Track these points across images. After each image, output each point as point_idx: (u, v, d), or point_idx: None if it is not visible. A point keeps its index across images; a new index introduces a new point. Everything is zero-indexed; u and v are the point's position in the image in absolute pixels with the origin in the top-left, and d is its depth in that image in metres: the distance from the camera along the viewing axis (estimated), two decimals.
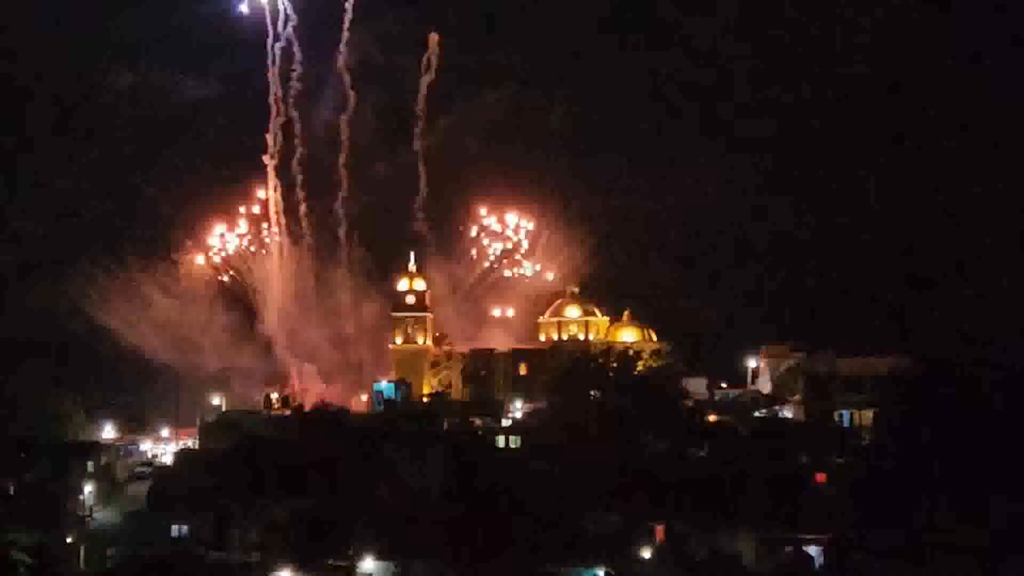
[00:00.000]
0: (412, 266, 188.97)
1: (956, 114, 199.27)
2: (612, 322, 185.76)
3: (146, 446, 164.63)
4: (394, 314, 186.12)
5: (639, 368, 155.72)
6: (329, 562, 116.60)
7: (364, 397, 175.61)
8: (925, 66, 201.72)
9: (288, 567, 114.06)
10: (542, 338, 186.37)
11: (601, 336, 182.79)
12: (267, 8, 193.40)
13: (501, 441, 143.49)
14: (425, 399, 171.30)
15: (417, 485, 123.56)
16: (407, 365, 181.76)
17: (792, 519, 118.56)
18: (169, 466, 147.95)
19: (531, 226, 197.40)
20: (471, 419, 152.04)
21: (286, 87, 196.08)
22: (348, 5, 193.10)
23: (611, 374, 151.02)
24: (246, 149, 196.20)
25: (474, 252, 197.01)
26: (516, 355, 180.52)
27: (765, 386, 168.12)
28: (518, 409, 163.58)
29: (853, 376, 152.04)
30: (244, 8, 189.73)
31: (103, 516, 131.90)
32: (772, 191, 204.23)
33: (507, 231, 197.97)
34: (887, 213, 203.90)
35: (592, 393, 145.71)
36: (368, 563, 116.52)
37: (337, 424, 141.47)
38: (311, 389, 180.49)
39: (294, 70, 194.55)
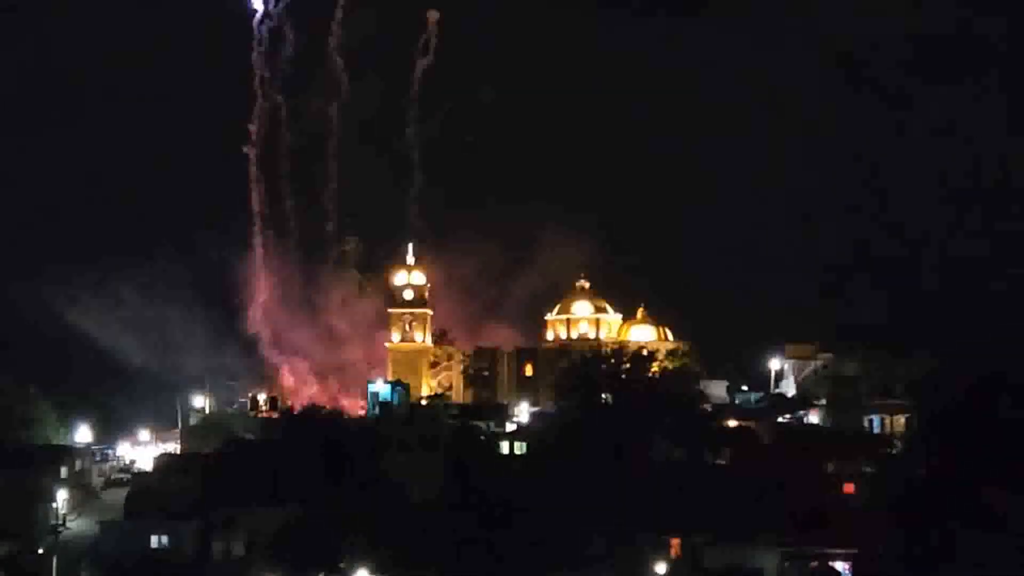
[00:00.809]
0: (410, 258, 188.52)
1: None
2: (625, 320, 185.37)
3: (123, 450, 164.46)
4: (390, 310, 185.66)
5: (654, 369, 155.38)
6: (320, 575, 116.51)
7: (359, 399, 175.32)
8: None
9: None
10: (550, 336, 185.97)
11: (613, 335, 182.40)
12: None
13: (505, 447, 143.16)
14: (424, 401, 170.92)
15: (415, 493, 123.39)
16: (404, 364, 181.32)
17: (818, 532, 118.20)
18: (148, 472, 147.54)
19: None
20: (473, 423, 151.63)
21: (274, 71, 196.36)
22: None
23: (624, 375, 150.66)
24: (229, 138, 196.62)
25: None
26: (521, 354, 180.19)
27: (789, 389, 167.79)
28: (523, 412, 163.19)
29: (884, 379, 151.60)
30: None
31: (77, 525, 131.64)
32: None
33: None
34: (917, 203, 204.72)
35: (603, 396, 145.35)
36: None
37: (329, 428, 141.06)
38: (301, 390, 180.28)
39: (279, 53, 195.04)
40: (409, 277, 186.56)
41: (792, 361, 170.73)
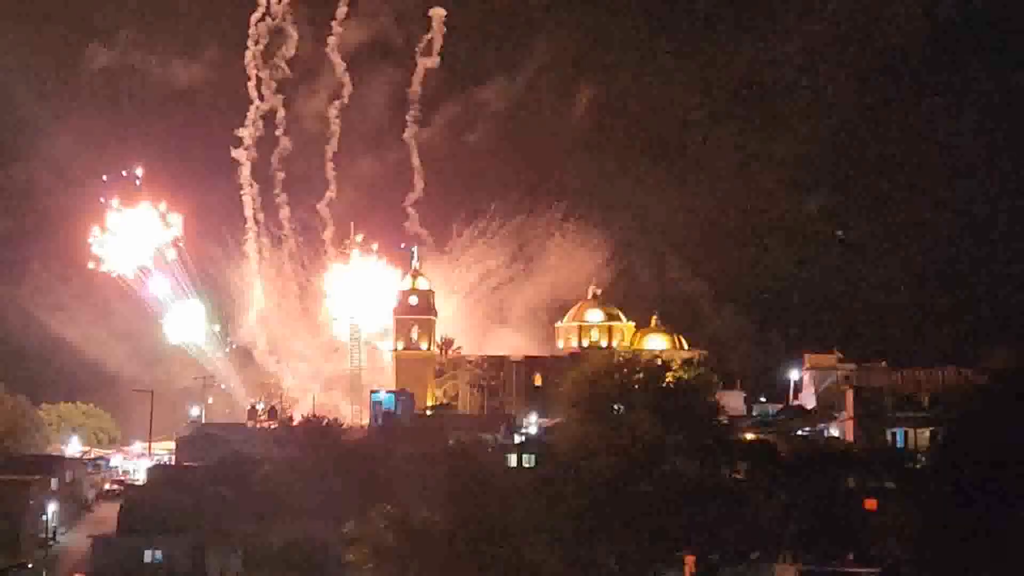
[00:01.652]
0: (415, 264, 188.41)
1: None
2: (638, 328, 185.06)
3: (116, 461, 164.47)
4: (396, 317, 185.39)
5: (668, 380, 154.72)
6: None
7: (361, 408, 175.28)
8: None
9: None
10: (560, 345, 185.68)
11: (626, 343, 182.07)
12: None
13: (513, 459, 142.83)
14: (429, 411, 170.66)
15: (419, 507, 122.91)
16: (409, 373, 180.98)
17: (839, 549, 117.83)
18: (142, 484, 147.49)
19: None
20: (480, 434, 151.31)
21: (273, 72, 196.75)
22: None
23: (637, 386, 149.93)
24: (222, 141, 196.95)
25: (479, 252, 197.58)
26: (530, 363, 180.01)
27: (809, 401, 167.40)
28: (532, 424, 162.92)
29: (908, 391, 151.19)
30: None
31: (68, 539, 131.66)
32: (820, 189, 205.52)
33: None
34: (944, 212, 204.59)
35: (615, 407, 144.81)
36: None
37: (330, 439, 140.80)
38: (301, 400, 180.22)
39: (276, 53, 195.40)
40: (414, 283, 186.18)
41: (812, 372, 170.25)
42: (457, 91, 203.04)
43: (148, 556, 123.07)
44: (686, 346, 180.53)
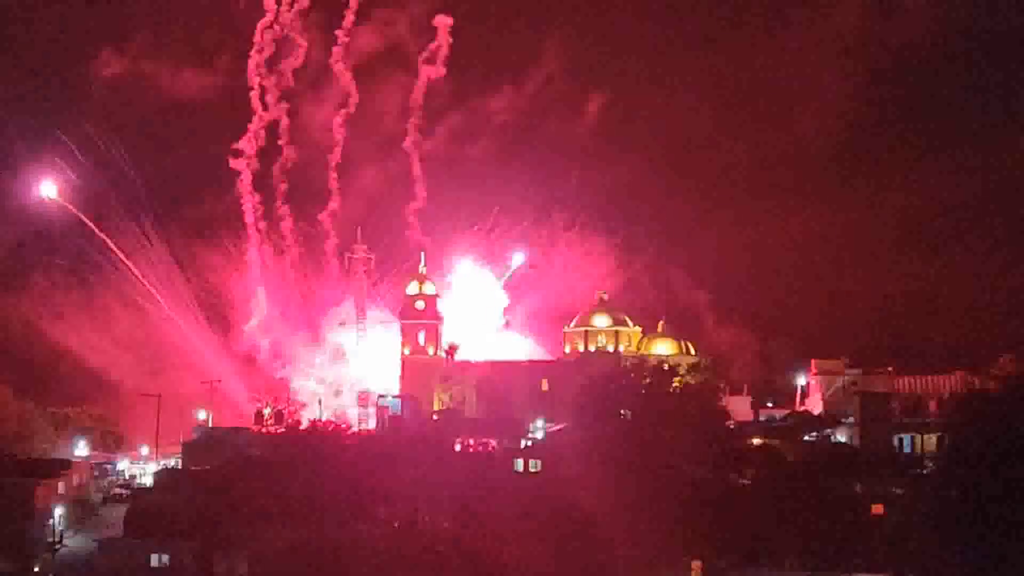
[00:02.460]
0: (422, 268, 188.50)
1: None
2: (645, 333, 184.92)
3: (123, 465, 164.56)
4: (402, 321, 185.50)
5: (675, 385, 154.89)
6: None
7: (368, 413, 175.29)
8: None
9: None
10: (567, 350, 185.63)
11: (633, 348, 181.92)
12: None
13: (520, 464, 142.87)
14: (435, 416, 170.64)
15: (426, 512, 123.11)
16: (415, 378, 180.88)
17: (846, 555, 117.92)
18: (148, 488, 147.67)
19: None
20: (486, 439, 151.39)
21: (280, 81, 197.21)
22: None
23: (644, 391, 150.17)
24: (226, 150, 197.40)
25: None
26: (537, 368, 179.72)
27: (816, 406, 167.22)
28: (539, 429, 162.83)
29: (915, 396, 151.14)
30: None
31: (75, 542, 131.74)
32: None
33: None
34: (952, 216, 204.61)
35: (622, 412, 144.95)
36: None
37: (336, 443, 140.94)
38: (309, 405, 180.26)
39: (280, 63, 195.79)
40: (420, 288, 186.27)
41: (819, 377, 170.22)
42: (463, 100, 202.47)
43: (155, 560, 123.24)
44: (693, 351, 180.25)
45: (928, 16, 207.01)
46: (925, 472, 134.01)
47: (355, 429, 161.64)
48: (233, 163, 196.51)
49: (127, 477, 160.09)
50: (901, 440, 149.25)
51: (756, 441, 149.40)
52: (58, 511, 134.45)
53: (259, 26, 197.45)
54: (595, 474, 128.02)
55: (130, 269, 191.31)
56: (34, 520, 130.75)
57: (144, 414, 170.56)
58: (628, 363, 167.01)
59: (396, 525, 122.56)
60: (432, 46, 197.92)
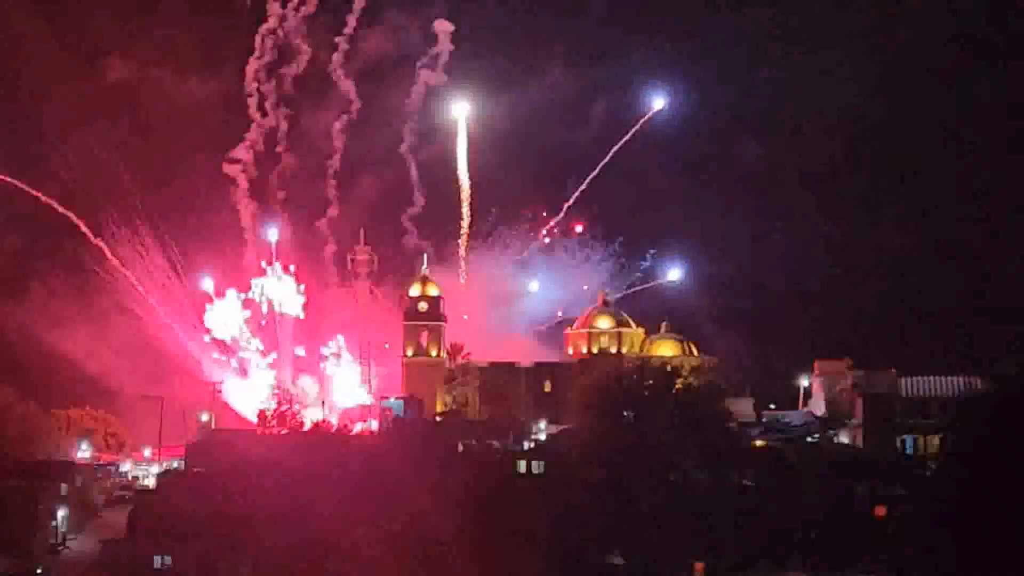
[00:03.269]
0: (424, 270, 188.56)
1: None
2: (648, 335, 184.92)
3: (126, 467, 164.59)
4: (405, 323, 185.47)
5: (678, 386, 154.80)
6: None
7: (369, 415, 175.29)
8: None
9: None
10: (570, 351, 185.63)
11: (636, 350, 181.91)
12: None
13: (523, 466, 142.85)
14: (438, 418, 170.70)
15: (429, 513, 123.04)
16: (419, 380, 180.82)
17: (848, 557, 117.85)
18: (151, 490, 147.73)
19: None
20: (489, 441, 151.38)
21: (280, 87, 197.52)
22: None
23: (647, 392, 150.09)
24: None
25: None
26: (540, 370, 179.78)
27: (819, 407, 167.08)
28: (542, 430, 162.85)
29: (918, 398, 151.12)
30: None
31: (78, 544, 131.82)
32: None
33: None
34: (952, 221, 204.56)
35: (625, 413, 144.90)
36: None
37: (340, 445, 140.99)
38: (312, 406, 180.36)
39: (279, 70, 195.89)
40: (424, 289, 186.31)
41: (822, 378, 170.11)
42: (461, 105, 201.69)
43: (157, 562, 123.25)
44: (696, 353, 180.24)
45: None
46: (928, 474, 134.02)
47: (358, 431, 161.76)
48: (231, 170, 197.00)
49: (130, 479, 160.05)
50: (904, 442, 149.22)
51: (759, 442, 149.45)
52: (61, 513, 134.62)
53: (261, 31, 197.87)
54: (597, 475, 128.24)
55: (127, 276, 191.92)
56: (37, 522, 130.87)
57: (147, 416, 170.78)
58: (631, 365, 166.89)
59: (399, 527, 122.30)
60: (432, 52, 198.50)
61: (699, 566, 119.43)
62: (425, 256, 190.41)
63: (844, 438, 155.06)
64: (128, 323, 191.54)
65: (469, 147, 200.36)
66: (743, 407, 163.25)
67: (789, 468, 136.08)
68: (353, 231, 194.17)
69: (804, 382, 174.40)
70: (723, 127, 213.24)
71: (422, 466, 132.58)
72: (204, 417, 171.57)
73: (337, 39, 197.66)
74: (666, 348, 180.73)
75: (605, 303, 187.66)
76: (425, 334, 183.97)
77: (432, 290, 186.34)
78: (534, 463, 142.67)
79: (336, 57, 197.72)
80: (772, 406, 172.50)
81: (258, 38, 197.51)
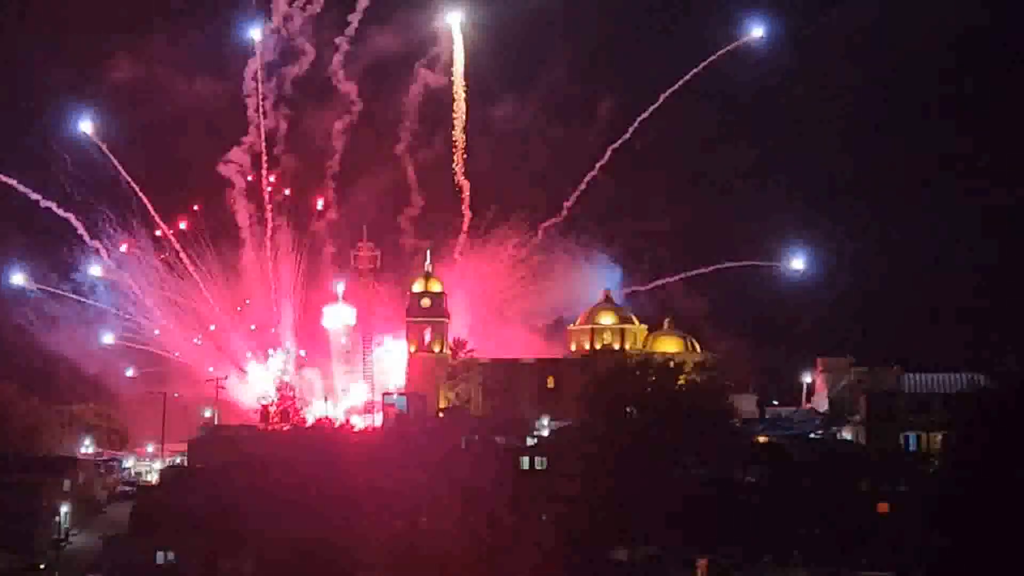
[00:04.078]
0: (428, 266, 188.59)
1: None
2: (651, 331, 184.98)
3: (129, 463, 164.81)
4: (408, 319, 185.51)
5: (681, 382, 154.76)
6: None
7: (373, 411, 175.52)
8: None
9: None
10: (572, 347, 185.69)
11: (639, 346, 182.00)
12: None
13: (525, 462, 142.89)
14: (441, 414, 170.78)
15: (431, 510, 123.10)
16: (421, 376, 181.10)
17: (851, 554, 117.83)
18: (154, 485, 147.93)
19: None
20: (492, 437, 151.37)
21: (280, 89, 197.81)
22: None
23: (649, 389, 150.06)
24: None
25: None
26: (543, 366, 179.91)
27: (822, 404, 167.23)
28: (544, 426, 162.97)
29: (921, 395, 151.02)
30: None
31: (80, 540, 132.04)
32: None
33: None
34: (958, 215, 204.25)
35: (628, 410, 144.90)
36: None
37: (343, 441, 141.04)
38: (314, 402, 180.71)
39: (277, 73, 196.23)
40: (427, 285, 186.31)
41: (825, 375, 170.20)
42: (463, 107, 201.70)
43: (160, 557, 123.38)
44: (699, 349, 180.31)
45: None
46: (931, 471, 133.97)
47: (361, 427, 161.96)
48: (229, 171, 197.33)
49: (133, 475, 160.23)
50: (907, 438, 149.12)
51: (762, 439, 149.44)
52: (64, 509, 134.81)
53: (262, 32, 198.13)
54: (600, 472, 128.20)
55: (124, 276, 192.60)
56: (40, 518, 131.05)
57: (150, 412, 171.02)
58: (634, 361, 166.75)
59: (401, 523, 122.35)
60: (432, 53, 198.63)
61: (702, 562, 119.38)
62: (428, 252, 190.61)
63: (847, 435, 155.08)
64: (127, 323, 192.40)
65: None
66: (746, 404, 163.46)
67: (792, 465, 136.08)
68: (352, 230, 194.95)
69: (807, 379, 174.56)
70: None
71: (424, 462, 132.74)
72: (207, 413, 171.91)
73: (338, 39, 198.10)
74: (669, 344, 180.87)
75: (608, 299, 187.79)
76: (428, 330, 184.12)
77: (435, 286, 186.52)
78: (537, 459, 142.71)
79: (337, 58, 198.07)
80: (775, 403, 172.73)
81: (259, 39, 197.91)
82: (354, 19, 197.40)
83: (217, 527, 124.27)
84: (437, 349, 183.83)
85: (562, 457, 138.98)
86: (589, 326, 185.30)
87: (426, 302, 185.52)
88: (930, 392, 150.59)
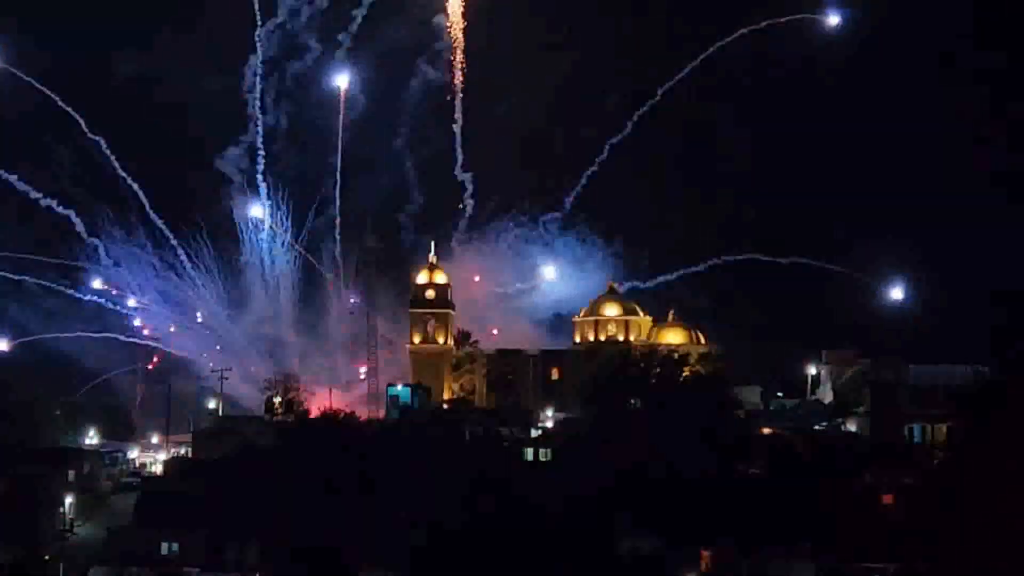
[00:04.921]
0: (432, 257, 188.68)
1: None
2: (656, 322, 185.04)
3: (134, 454, 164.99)
4: (411, 310, 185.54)
5: (685, 374, 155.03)
6: None
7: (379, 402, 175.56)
8: None
9: None
10: (577, 339, 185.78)
11: (643, 337, 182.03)
12: None
13: (530, 453, 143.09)
14: (445, 405, 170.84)
15: (435, 501, 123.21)
16: (426, 367, 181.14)
17: (855, 545, 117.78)
18: (159, 476, 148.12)
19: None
20: (496, 428, 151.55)
21: (281, 87, 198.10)
22: None
23: (654, 380, 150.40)
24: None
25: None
26: (547, 357, 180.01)
27: (826, 396, 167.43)
28: (549, 418, 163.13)
29: (925, 386, 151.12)
30: None
31: (85, 531, 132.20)
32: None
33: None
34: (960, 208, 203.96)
35: (632, 401, 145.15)
36: None
37: (346, 433, 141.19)
38: (318, 393, 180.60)
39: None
40: (431, 276, 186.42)
41: (830, 367, 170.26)
42: (464, 103, 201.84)
43: (164, 548, 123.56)
44: (703, 341, 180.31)
45: None
46: (935, 463, 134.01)
47: (365, 418, 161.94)
48: (229, 167, 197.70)
49: (137, 465, 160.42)
50: (911, 430, 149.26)
51: (766, 430, 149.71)
52: (68, 500, 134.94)
53: (265, 28, 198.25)
54: (604, 463, 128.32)
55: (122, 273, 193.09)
56: (44, 508, 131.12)
57: (154, 403, 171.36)
58: (638, 353, 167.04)
59: (406, 515, 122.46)
60: (433, 48, 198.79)
61: (705, 553, 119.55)
62: (432, 243, 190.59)
63: (852, 426, 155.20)
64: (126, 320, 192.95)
65: None
66: (751, 395, 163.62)
67: (796, 456, 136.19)
68: (354, 225, 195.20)
69: (812, 370, 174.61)
70: None
71: (429, 454, 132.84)
72: (211, 404, 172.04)
73: (339, 36, 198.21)
74: (673, 336, 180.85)
75: (612, 291, 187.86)
76: (432, 321, 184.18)
77: (439, 277, 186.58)
78: (541, 450, 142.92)
79: (339, 53, 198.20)
80: (780, 394, 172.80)
81: (262, 34, 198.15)
82: (358, 14, 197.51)
83: (222, 518, 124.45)
84: (441, 340, 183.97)
85: (567, 448, 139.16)
86: (593, 318, 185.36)
87: (430, 293, 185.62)
88: (935, 384, 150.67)
